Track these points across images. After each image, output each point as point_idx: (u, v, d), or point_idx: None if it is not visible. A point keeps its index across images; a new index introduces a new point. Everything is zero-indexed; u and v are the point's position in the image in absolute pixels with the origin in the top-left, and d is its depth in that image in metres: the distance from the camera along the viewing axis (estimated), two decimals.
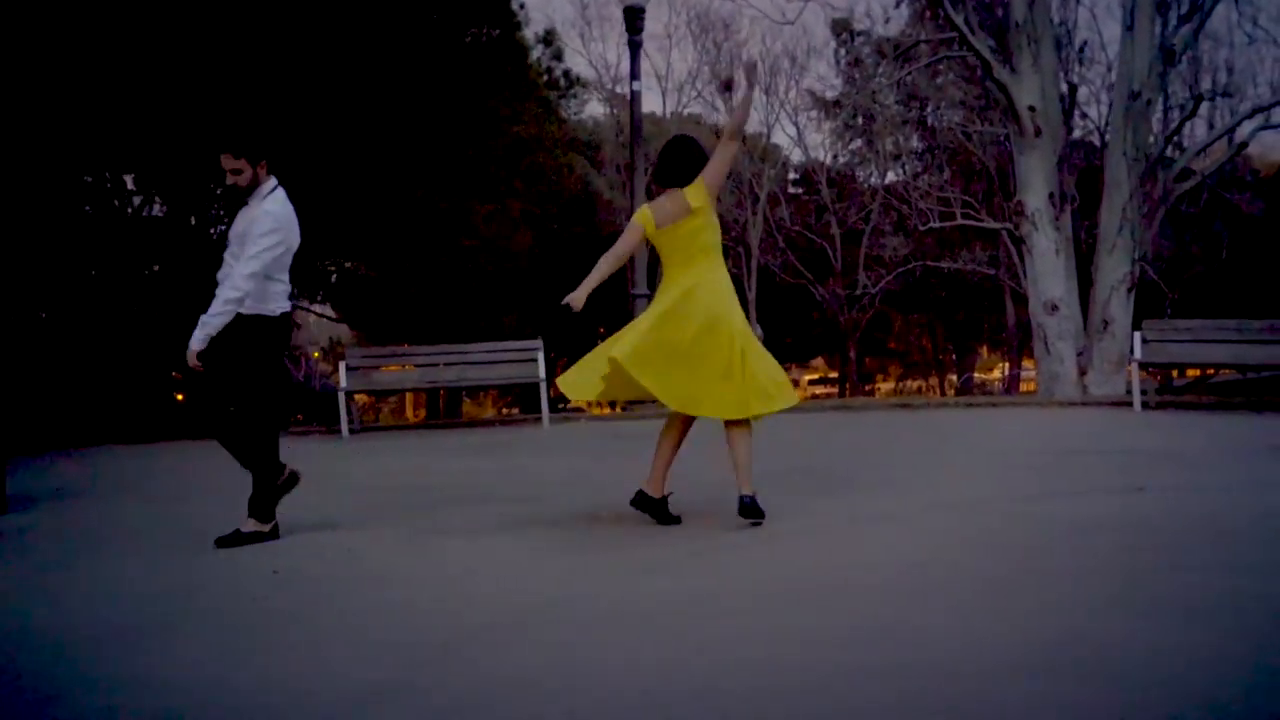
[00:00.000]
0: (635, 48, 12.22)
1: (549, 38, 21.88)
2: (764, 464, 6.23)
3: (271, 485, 5.04)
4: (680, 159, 5.11)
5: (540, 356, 10.80)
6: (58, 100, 12.45)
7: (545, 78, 21.66)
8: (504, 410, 33.39)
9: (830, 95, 32.06)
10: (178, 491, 7.26)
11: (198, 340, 4.79)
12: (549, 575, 4.16)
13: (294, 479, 5.18)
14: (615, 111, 32.14)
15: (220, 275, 4.96)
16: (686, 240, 5.02)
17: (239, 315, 4.81)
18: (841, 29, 32.86)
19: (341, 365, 10.95)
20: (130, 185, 22.34)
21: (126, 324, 16.32)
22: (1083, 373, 14.63)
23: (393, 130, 16.35)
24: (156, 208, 19.14)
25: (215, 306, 4.82)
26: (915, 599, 3.52)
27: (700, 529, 4.92)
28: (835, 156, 33.45)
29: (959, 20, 14.10)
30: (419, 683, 2.88)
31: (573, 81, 24.03)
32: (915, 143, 30.45)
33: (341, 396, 10.70)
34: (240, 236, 4.88)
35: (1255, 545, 4.17)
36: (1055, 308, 14.70)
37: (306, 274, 22.28)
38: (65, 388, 14.07)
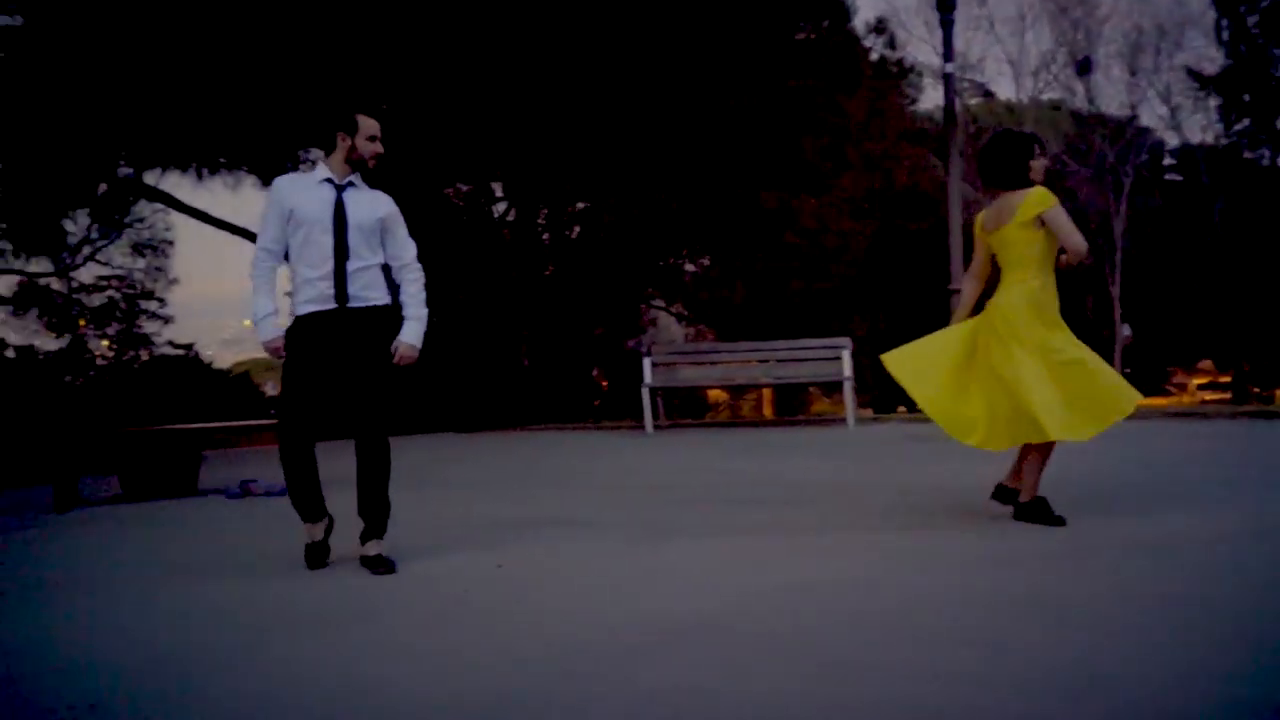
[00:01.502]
0: (948, 28, 11.53)
1: (880, 26, 21.25)
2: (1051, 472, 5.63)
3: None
4: (995, 159, 4.89)
5: (846, 355, 10.47)
6: (446, 118, 13.53)
7: (878, 67, 21.04)
8: (860, 409, 32.83)
9: (1209, 70, 29.08)
10: (445, 480, 7.56)
11: (421, 337, 4.59)
12: (742, 584, 3.87)
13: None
14: (965, 100, 30.82)
15: (309, 260, 4.38)
16: (1002, 248, 4.86)
17: (386, 307, 4.53)
18: None
19: (646, 362, 11.10)
20: (498, 193, 24.23)
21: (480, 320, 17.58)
22: None
23: (723, 126, 16.55)
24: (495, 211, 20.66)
25: (422, 297, 4.61)
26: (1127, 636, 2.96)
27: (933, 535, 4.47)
28: (1218, 138, 30.29)
29: None
30: (554, 696, 2.73)
31: (906, 70, 23.16)
32: None
33: (645, 393, 10.83)
34: (378, 223, 4.48)
35: None
36: None
37: (659, 273, 23.06)
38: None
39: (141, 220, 21.61)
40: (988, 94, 32.69)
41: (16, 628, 3.70)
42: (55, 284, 20.77)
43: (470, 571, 4.34)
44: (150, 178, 18.06)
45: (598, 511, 5.83)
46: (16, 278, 20.02)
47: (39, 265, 20.08)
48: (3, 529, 6.23)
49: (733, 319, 23.57)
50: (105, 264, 21.51)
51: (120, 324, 21.54)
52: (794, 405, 23.39)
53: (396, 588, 4.09)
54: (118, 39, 12.26)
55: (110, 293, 21.60)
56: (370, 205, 4.48)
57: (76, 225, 20.05)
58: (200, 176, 17.87)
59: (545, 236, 24.44)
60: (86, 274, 21.39)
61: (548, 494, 6.69)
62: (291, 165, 19.03)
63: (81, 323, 20.85)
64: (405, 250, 4.60)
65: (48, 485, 7.69)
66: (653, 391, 10.92)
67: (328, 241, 4.34)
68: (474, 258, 19.89)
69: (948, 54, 11.28)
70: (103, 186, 18.27)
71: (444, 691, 2.78)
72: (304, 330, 4.40)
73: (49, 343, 20.08)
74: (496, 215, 23.50)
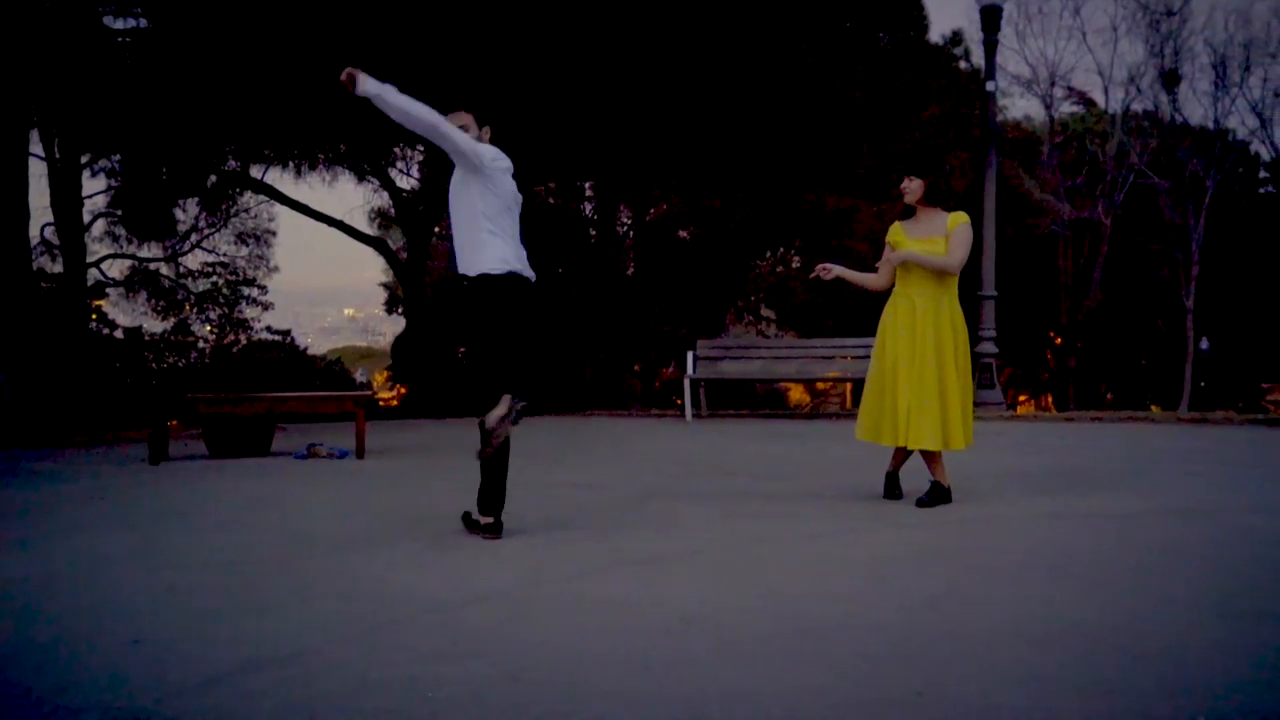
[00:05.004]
0: (991, 48, 12.04)
1: (956, 39, 21.66)
2: (1026, 463, 6.33)
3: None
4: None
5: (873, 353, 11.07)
6: (538, 115, 14.45)
7: (956, 77, 21.45)
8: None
9: None
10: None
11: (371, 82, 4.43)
12: (701, 526, 4.67)
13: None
14: (1052, 111, 30.93)
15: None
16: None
17: (468, 277, 4.65)
18: None
19: (690, 355, 11.86)
20: (588, 192, 25.18)
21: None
22: None
23: (798, 130, 17.19)
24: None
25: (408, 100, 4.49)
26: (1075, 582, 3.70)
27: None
28: None
29: None
30: (515, 582, 3.57)
31: (983, 81, 23.50)
32: None
33: (687, 384, 11.62)
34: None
35: None
36: None
37: (736, 275, 23.83)
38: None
39: (246, 210, 22.98)
40: (1089, 103, 32.47)
41: (120, 543, 4.74)
42: (164, 269, 22.23)
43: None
44: (255, 171, 19.39)
45: (607, 478, 6.65)
46: (128, 262, 21.53)
47: (150, 251, 21.57)
48: (108, 475, 7.30)
49: (806, 319, 24.23)
50: (211, 251, 22.94)
51: (222, 309, 22.88)
52: None
53: (418, 516, 4.98)
54: (230, 43, 13.40)
55: (214, 279, 23.01)
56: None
57: (186, 214, 21.48)
58: (300, 172, 19.15)
59: (629, 238, 25.36)
60: (193, 260, 22.86)
61: (574, 464, 7.53)
62: (386, 162, 20.28)
63: (186, 307, 22.27)
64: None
65: (142, 443, 8.80)
66: (694, 383, 11.70)
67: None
68: (562, 254, 20.89)
69: (990, 71, 11.80)
70: (212, 178, 19.58)
71: (431, 581, 3.68)
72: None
73: (156, 325, 21.50)
74: (586, 214, 24.48)
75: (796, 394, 31.10)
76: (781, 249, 26.35)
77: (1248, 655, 2.75)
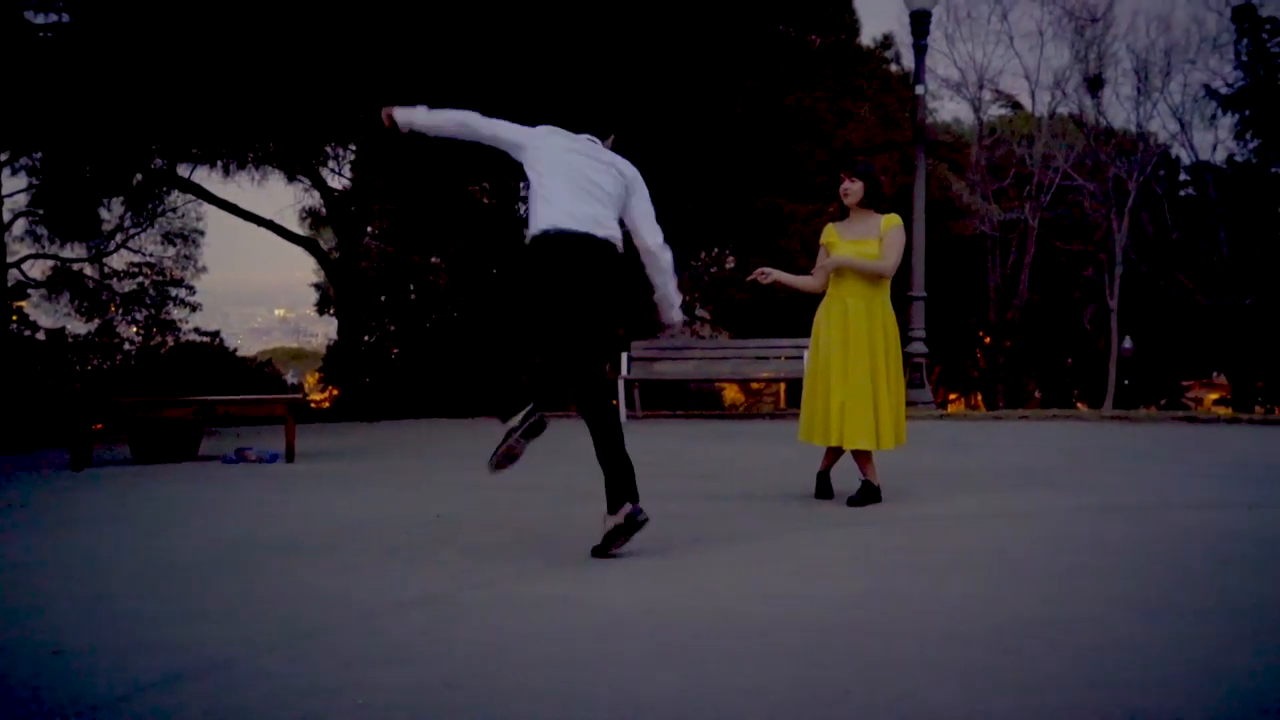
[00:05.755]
0: (921, 52, 12.21)
1: (887, 42, 21.94)
2: (956, 462, 6.43)
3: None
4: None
5: (807, 354, 11.18)
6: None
7: (887, 81, 21.71)
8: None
9: (1224, 90, 29.51)
10: (430, 453, 8.39)
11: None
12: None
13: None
14: (981, 114, 31.44)
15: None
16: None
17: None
18: (1244, 18, 30.11)
19: (624, 356, 11.87)
20: (523, 192, 25.11)
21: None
22: None
23: (732, 133, 17.29)
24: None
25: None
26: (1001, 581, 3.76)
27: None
28: (1232, 155, 30.71)
29: None
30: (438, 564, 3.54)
31: (912, 85, 23.83)
32: None
33: (621, 384, 11.63)
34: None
35: None
36: None
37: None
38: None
39: (174, 210, 22.49)
40: (1016, 106, 32.99)
41: (40, 550, 4.65)
42: (88, 270, 21.69)
43: (414, 516, 5.18)
44: (182, 170, 19.03)
45: (541, 479, 6.61)
46: (50, 262, 20.98)
47: (73, 251, 21.03)
48: (29, 482, 7.13)
49: (743, 319, 24.31)
50: (137, 251, 22.43)
51: (149, 310, 22.38)
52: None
53: (348, 521, 4.94)
54: (155, 40, 13.15)
55: (141, 279, 22.50)
56: None
57: (111, 213, 20.96)
58: (228, 171, 18.81)
59: None
60: (118, 260, 22.32)
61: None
62: (317, 161, 20.01)
63: (112, 308, 21.75)
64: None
65: (64, 448, 8.61)
66: (629, 384, 11.72)
67: None
68: (496, 254, 20.78)
69: (919, 75, 11.96)
70: (138, 177, 19.14)
71: (362, 587, 3.64)
72: None
73: (79, 326, 20.97)
74: (521, 214, 24.41)
75: (731, 393, 31.25)
76: (716, 249, 26.50)
77: (1175, 651, 2.81)
